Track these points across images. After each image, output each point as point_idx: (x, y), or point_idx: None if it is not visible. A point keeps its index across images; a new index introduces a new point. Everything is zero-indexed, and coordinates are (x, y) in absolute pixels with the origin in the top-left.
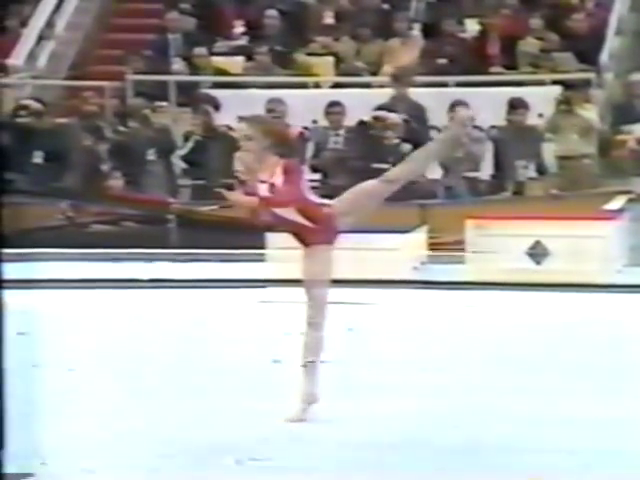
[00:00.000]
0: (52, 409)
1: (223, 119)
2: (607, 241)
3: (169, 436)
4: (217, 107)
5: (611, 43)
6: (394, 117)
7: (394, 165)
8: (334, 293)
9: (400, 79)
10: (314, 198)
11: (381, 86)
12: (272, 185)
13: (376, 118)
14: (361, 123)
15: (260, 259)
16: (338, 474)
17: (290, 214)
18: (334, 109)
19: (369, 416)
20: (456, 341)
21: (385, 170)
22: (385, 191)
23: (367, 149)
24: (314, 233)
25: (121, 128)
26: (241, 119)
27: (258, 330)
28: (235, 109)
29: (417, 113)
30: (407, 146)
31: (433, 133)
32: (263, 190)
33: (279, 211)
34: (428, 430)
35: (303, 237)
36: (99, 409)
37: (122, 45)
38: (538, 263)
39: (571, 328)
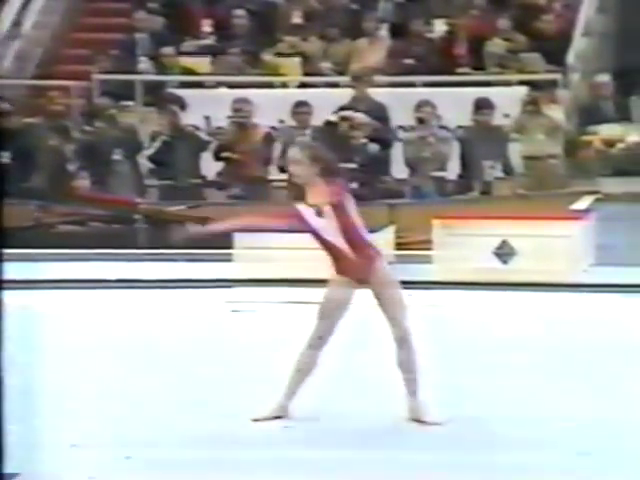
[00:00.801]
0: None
1: (190, 119)
2: (574, 241)
3: (139, 436)
4: (183, 107)
5: (578, 44)
6: (361, 117)
7: (361, 165)
8: (297, 293)
9: (360, 79)
10: (364, 233)
11: (348, 86)
12: (319, 211)
13: (343, 118)
14: (328, 123)
15: (227, 259)
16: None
17: (334, 237)
18: (301, 109)
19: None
20: (422, 340)
21: (352, 169)
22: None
23: (334, 149)
24: (349, 263)
25: (87, 128)
26: (294, 145)
27: (225, 330)
28: (202, 109)
29: (379, 113)
30: (374, 146)
31: (400, 133)
32: (310, 214)
33: (324, 232)
34: (405, 428)
35: (337, 263)
36: (67, 409)
37: (89, 44)
38: (505, 262)
39: (537, 327)
